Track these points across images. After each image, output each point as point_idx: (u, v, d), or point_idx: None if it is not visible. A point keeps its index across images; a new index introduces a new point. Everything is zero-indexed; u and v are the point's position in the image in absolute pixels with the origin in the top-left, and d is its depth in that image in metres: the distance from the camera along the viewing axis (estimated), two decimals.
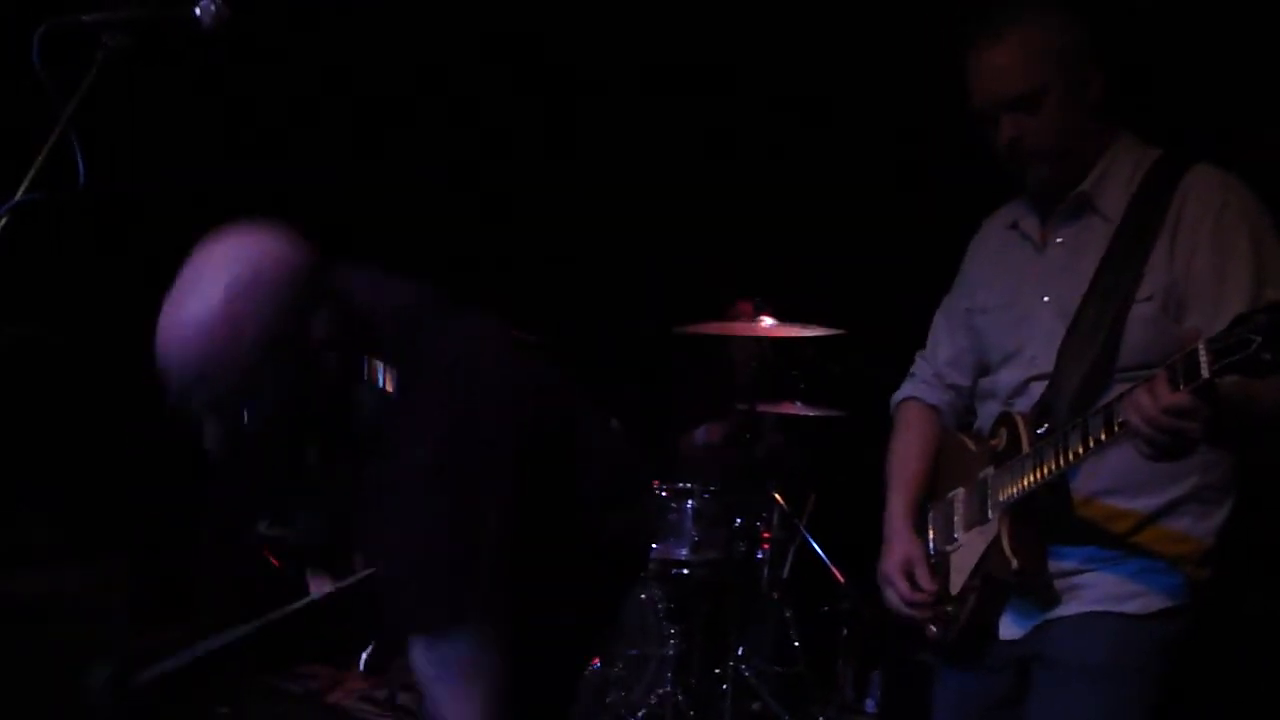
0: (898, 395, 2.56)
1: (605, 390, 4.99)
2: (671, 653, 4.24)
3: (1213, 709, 2.64)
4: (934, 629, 2.29)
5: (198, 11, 1.95)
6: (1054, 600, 2.16)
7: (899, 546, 2.33)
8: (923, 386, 2.50)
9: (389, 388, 2.06)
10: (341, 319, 2.03)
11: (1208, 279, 2.06)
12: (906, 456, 2.44)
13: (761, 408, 4.46)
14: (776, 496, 4.49)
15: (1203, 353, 1.78)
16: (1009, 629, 2.22)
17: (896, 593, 2.31)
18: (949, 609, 2.27)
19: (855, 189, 4.94)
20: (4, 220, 1.79)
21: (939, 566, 2.32)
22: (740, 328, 4.35)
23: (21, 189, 1.82)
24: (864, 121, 4.88)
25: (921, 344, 2.57)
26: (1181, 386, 1.82)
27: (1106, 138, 2.22)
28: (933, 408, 2.47)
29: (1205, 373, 1.77)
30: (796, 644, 4.54)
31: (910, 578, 2.29)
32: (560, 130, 5.32)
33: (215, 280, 1.91)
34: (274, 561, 2.66)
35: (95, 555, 3.60)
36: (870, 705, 4.57)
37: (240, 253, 1.95)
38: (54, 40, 1.88)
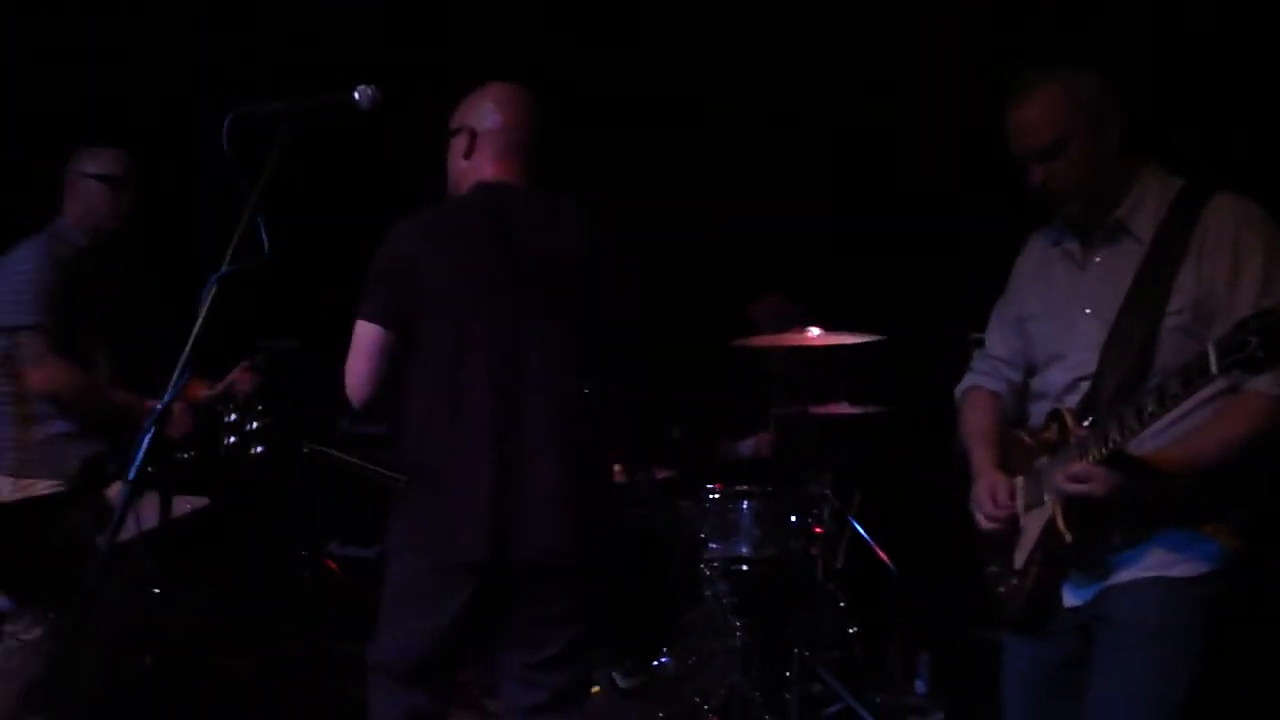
0: (961, 386, 2.89)
1: (658, 403, 5.30)
2: (738, 645, 4.45)
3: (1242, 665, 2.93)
4: (1004, 590, 2.61)
5: (357, 96, 2.26)
6: (1109, 570, 2.48)
7: (985, 478, 2.66)
8: (983, 377, 2.84)
9: None
10: None
11: (1225, 294, 2.39)
12: (980, 421, 2.78)
13: (809, 409, 4.72)
14: (827, 493, 4.74)
15: (1212, 353, 2.10)
16: (1071, 598, 2.54)
17: (982, 511, 2.64)
18: (1014, 582, 2.59)
19: (889, 201, 5.20)
20: (214, 289, 2.07)
21: (1003, 543, 2.63)
22: (783, 338, 4.62)
23: (226, 262, 2.10)
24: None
25: (952, 347, 2.92)
26: (1178, 393, 2.20)
27: (1134, 169, 2.54)
28: (994, 392, 2.81)
29: (1214, 369, 2.10)
30: (852, 630, 4.83)
31: (994, 499, 2.61)
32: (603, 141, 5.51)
33: None
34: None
35: None
36: (920, 686, 4.83)
37: None
38: (239, 128, 2.17)
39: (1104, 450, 2.36)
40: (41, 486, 3.38)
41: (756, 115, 5.45)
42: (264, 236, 2.16)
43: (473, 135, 2.87)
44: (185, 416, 3.35)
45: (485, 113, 2.87)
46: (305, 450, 2.82)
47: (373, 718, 2.83)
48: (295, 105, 2.20)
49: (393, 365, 2.73)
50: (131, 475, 1.88)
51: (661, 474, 4.97)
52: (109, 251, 3.59)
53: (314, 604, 4.94)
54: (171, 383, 1.95)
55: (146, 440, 1.91)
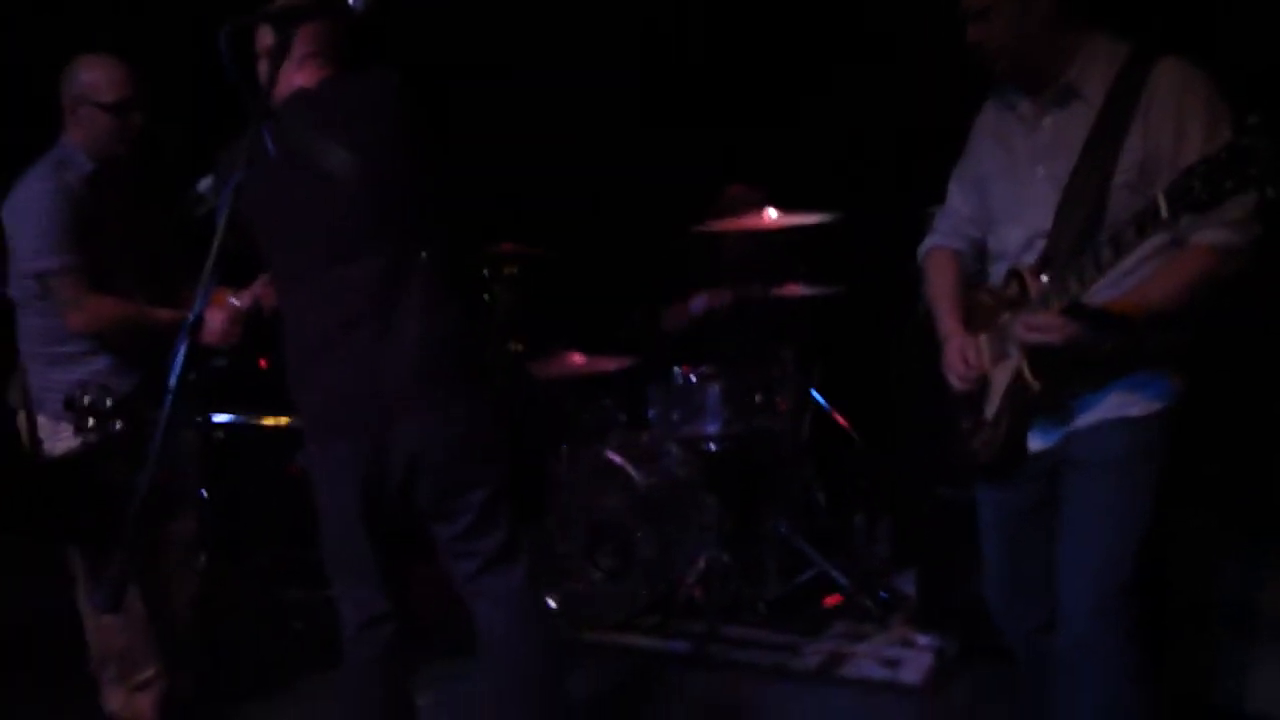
0: (924, 246, 3.04)
1: (622, 290, 5.36)
2: (712, 520, 4.62)
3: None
4: (978, 443, 2.77)
5: (351, 1, 2.27)
6: (1072, 415, 2.68)
7: (954, 340, 2.83)
8: (943, 237, 2.99)
9: None
10: None
11: (1171, 151, 2.52)
12: (945, 282, 2.94)
13: (768, 291, 4.81)
14: (789, 369, 4.85)
15: (1161, 200, 2.27)
16: (1036, 443, 2.72)
17: (955, 373, 2.81)
18: (988, 432, 2.76)
19: (839, 83, 5.24)
20: (232, 195, 2.09)
21: (971, 400, 2.79)
22: (742, 221, 4.68)
23: (236, 172, 2.12)
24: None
25: (908, 227, 3.10)
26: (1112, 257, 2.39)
27: (1080, 36, 2.64)
28: (956, 251, 2.96)
29: (1164, 214, 2.27)
30: (820, 499, 5.03)
31: (965, 360, 2.79)
32: (549, 38, 5.49)
33: None
34: None
35: None
36: (883, 549, 5.04)
37: None
38: (236, 37, 2.18)
39: (1064, 300, 2.51)
40: (74, 441, 3.19)
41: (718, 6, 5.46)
42: (269, 143, 2.18)
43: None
44: (234, 325, 3.30)
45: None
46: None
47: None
48: (289, 9, 2.21)
49: None
50: (173, 383, 1.93)
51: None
52: (120, 172, 3.40)
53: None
54: (200, 292, 1.99)
55: (183, 350, 1.95)
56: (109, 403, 2.86)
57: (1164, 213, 2.27)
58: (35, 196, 3.25)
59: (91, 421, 2.83)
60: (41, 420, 3.30)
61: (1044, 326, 2.54)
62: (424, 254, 2.79)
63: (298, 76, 2.82)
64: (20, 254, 3.28)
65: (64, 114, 3.35)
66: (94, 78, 3.30)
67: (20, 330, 3.39)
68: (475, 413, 2.86)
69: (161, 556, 3.43)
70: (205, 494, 2.91)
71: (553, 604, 4.55)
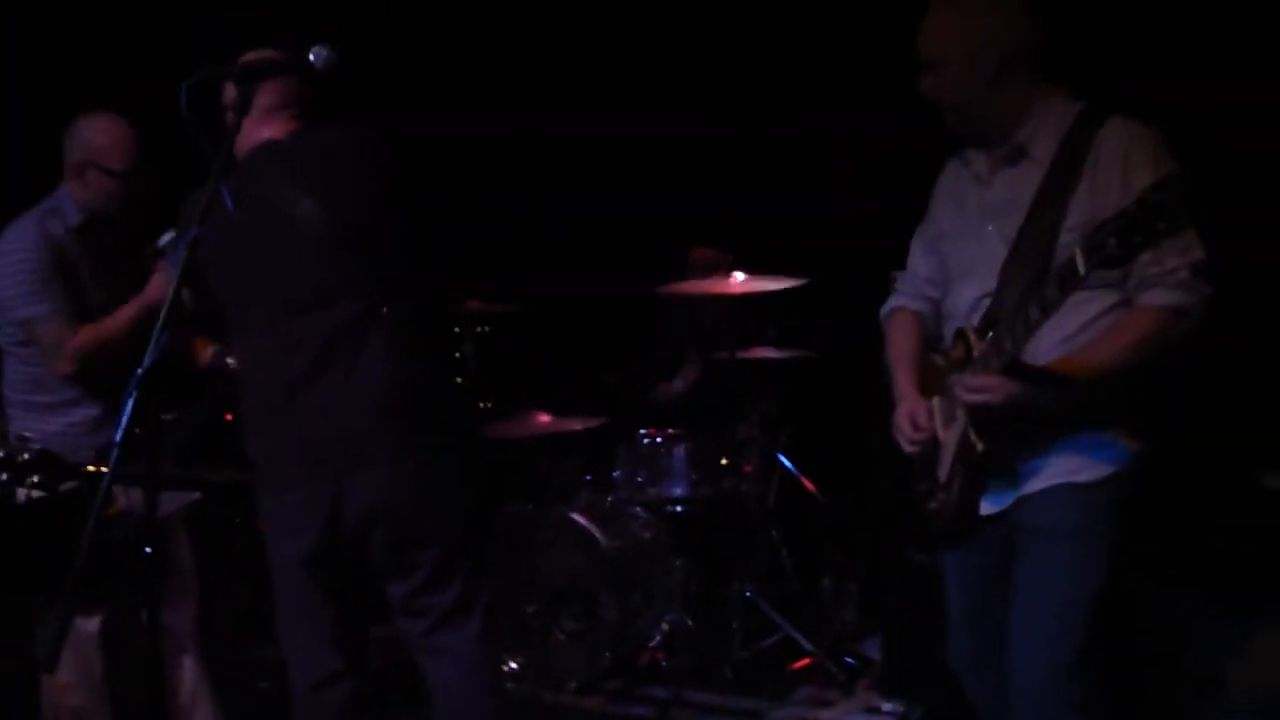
0: (886, 307, 3.05)
1: (590, 350, 5.37)
2: (677, 583, 4.58)
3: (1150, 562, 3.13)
4: (934, 506, 2.75)
5: (312, 58, 2.29)
6: (1021, 479, 2.65)
7: (904, 403, 2.82)
8: (905, 298, 2.99)
9: None
10: None
11: (1114, 208, 2.46)
12: (903, 344, 2.94)
13: (736, 355, 4.83)
14: (756, 433, 4.86)
15: (1078, 256, 2.29)
16: (990, 506, 2.70)
17: (902, 435, 2.81)
18: (941, 495, 2.74)
19: (810, 146, 5.29)
20: (185, 252, 2.09)
21: (929, 463, 2.78)
22: (709, 285, 4.71)
23: (193, 227, 2.12)
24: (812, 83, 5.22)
25: (875, 291, 3.11)
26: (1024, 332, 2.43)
27: (1030, 96, 2.66)
28: (916, 313, 2.96)
29: (1082, 270, 2.28)
30: (785, 562, 5.00)
31: (914, 423, 2.78)
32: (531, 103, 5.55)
33: None
34: None
35: None
36: (849, 614, 5.01)
37: None
38: (197, 91, 2.19)
39: (1002, 360, 2.51)
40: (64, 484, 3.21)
41: (688, 71, 5.52)
42: (227, 198, 2.18)
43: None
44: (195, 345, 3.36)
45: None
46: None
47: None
48: (251, 66, 2.22)
49: None
50: (118, 438, 1.91)
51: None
52: (109, 224, 3.43)
53: None
54: (151, 344, 1.97)
55: (130, 404, 1.93)
56: (25, 456, 2.84)
57: (1081, 269, 2.28)
58: (17, 245, 3.30)
59: (3, 475, 2.79)
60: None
61: (982, 387, 2.54)
62: (385, 308, 2.77)
63: (266, 129, 2.81)
64: (4, 301, 3.31)
65: (67, 169, 3.37)
66: (103, 142, 3.32)
67: (4, 377, 3.43)
68: (436, 467, 2.83)
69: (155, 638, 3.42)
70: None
71: (514, 665, 4.50)
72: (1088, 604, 2.59)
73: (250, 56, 2.24)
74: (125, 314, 3.32)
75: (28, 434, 3.02)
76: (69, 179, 3.38)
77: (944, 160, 2.91)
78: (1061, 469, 2.60)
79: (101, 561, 1.84)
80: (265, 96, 2.73)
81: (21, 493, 2.83)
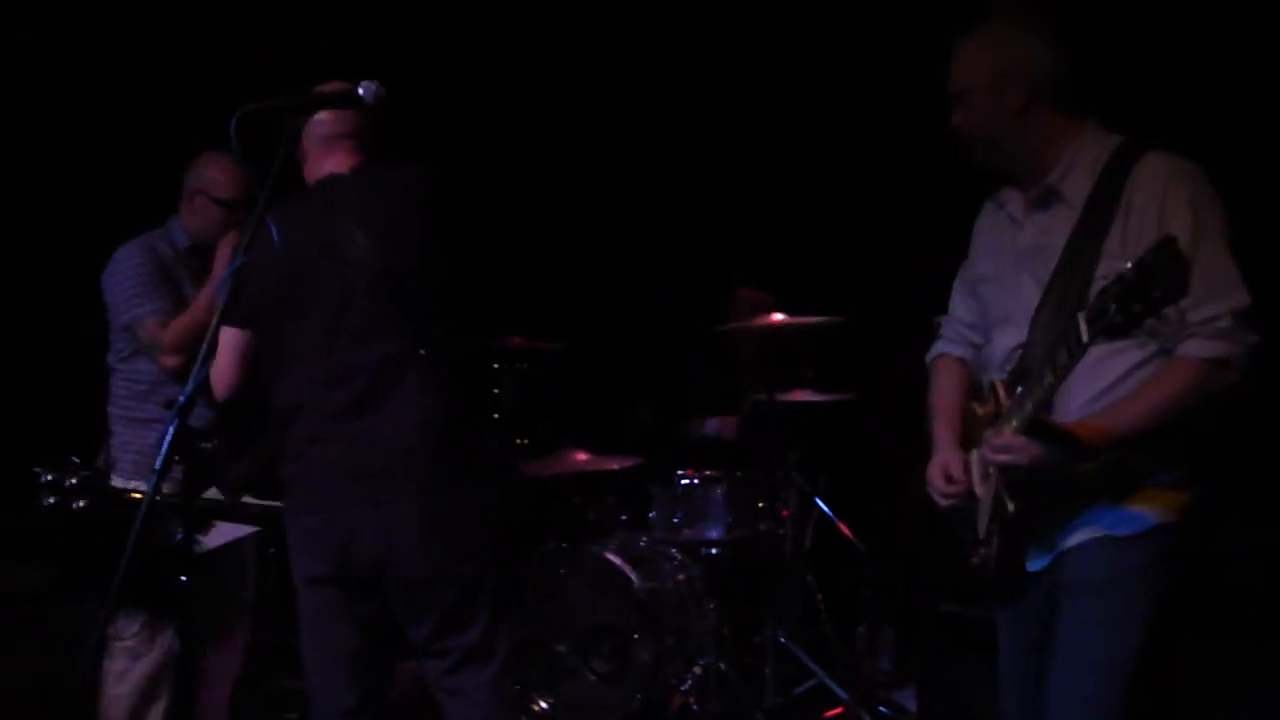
0: (931, 353, 2.95)
1: (629, 390, 5.36)
2: (711, 626, 4.53)
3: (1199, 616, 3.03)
4: (975, 561, 2.65)
5: (361, 91, 2.30)
6: (1061, 535, 2.52)
7: (939, 456, 2.72)
8: (948, 344, 2.90)
9: None
10: None
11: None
12: (944, 393, 2.84)
13: (775, 397, 4.81)
14: (793, 476, 4.83)
15: (1081, 322, 2.17)
16: (1034, 562, 2.58)
17: (935, 489, 2.70)
18: (982, 551, 2.64)
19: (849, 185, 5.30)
20: (230, 282, 2.10)
21: (969, 516, 2.69)
22: (749, 323, 4.70)
23: (239, 257, 2.13)
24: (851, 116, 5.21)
25: (915, 334, 3.03)
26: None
27: (1061, 132, 2.57)
28: (959, 359, 2.87)
29: (1085, 338, 2.15)
30: (821, 608, 4.95)
31: (947, 477, 2.67)
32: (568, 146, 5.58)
33: None
34: None
35: None
36: (885, 662, 4.96)
37: None
38: (246, 124, 2.20)
39: (1024, 419, 2.40)
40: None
41: (721, 110, 5.52)
42: (273, 230, 2.19)
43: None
44: None
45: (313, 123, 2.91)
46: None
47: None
48: (300, 100, 2.24)
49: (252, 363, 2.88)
50: (158, 465, 1.92)
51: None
52: (210, 252, 3.69)
53: None
54: (193, 373, 1.98)
55: (171, 431, 1.94)
56: (72, 481, 2.96)
57: (1084, 337, 2.16)
58: (126, 258, 3.60)
59: (52, 499, 2.84)
60: (115, 480, 3.44)
61: (1008, 448, 2.43)
62: (423, 349, 2.80)
63: (328, 161, 2.90)
64: (114, 309, 3.59)
65: (181, 198, 3.71)
66: (214, 174, 3.67)
67: (112, 395, 3.66)
68: (459, 508, 2.83)
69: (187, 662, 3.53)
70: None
71: (544, 704, 4.47)
72: (1127, 662, 2.46)
73: (300, 91, 2.26)
74: (205, 294, 3.55)
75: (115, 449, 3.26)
76: (182, 208, 3.71)
77: (982, 196, 2.83)
78: (1099, 523, 2.49)
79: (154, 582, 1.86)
80: (324, 128, 2.86)
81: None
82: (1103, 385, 2.44)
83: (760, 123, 5.42)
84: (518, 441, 5.10)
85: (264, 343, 2.88)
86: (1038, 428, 2.39)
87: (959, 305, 2.89)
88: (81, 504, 2.94)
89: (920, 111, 3.13)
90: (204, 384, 1.99)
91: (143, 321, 3.53)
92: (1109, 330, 2.10)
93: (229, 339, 2.83)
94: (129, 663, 3.45)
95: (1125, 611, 2.47)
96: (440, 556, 2.79)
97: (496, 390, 5.13)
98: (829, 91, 5.20)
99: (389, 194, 2.87)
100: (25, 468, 3.08)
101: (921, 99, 3.00)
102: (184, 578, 1.96)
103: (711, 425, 5.26)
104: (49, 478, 3.00)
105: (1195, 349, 2.38)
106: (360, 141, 2.91)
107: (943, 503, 2.70)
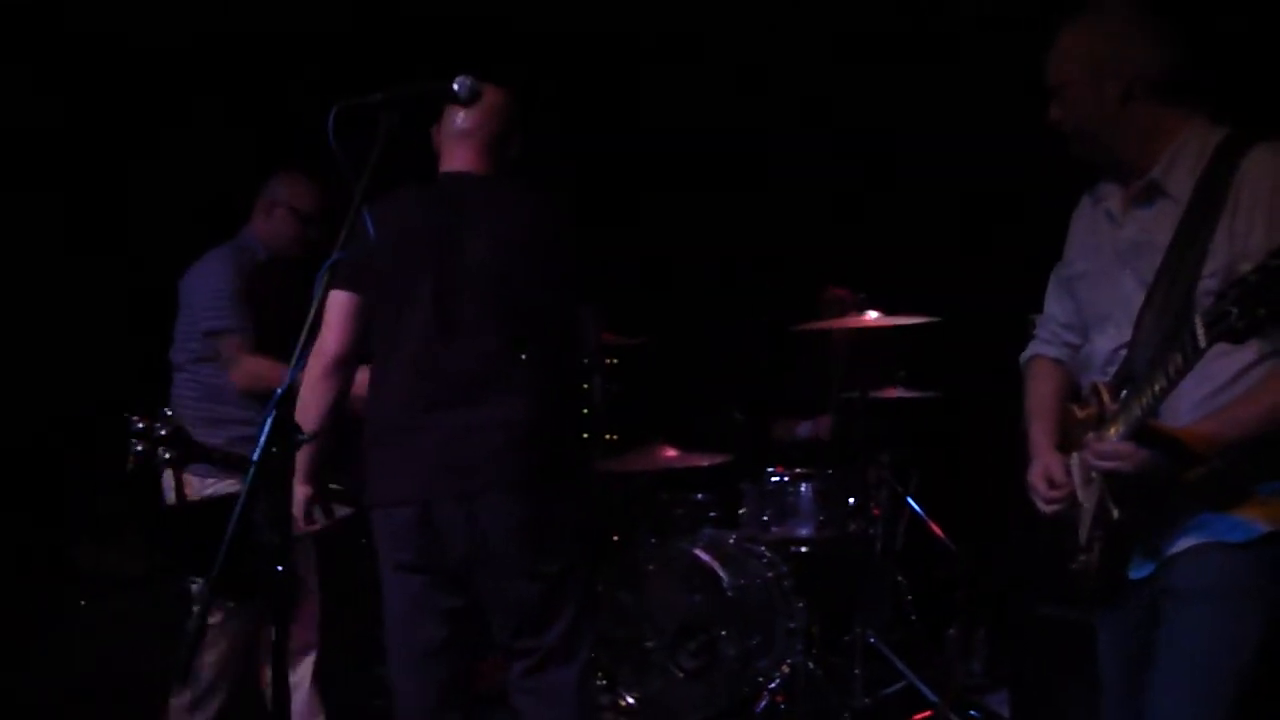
0: (1025, 354, 2.84)
1: (719, 387, 5.35)
2: (799, 625, 4.51)
3: None
4: (1075, 567, 2.56)
5: (456, 87, 2.32)
6: (1168, 541, 2.42)
7: (1039, 460, 2.61)
8: (1044, 345, 2.79)
9: None
10: None
11: (1261, 252, 2.21)
12: (1042, 395, 2.74)
13: (867, 394, 4.76)
14: (885, 475, 4.80)
15: (1199, 326, 2.07)
16: (1137, 570, 2.49)
17: (1038, 495, 2.60)
18: (1083, 557, 2.56)
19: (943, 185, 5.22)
20: (327, 276, 2.13)
21: (1070, 520, 2.60)
22: (841, 321, 4.66)
23: (336, 251, 2.16)
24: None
25: (1009, 331, 2.94)
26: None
27: (1164, 125, 2.46)
28: (1055, 360, 2.76)
29: (1203, 344, 2.06)
30: (911, 609, 4.89)
31: (1049, 482, 2.57)
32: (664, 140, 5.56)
33: None
34: None
35: None
36: (976, 666, 4.89)
37: None
38: (343, 120, 2.23)
39: (1130, 423, 2.33)
40: (226, 486, 3.57)
41: (816, 108, 5.49)
42: (369, 224, 2.22)
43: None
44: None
45: (450, 114, 2.98)
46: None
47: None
48: (397, 96, 2.26)
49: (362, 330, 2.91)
50: (256, 457, 1.95)
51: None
52: (288, 266, 3.78)
53: None
54: (292, 364, 2.01)
55: (270, 421, 1.97)
56: (161, 431, 3.08)
57: (1202, 342, 2.07)
58: (214, 265, 3.69)
59: (140, 447, 3.03)
60: (188, 478, 3.52)
61: (1112, 454, 2.34)
62: (523, 352, 2.85)
63: (456, 157, 2.97)
64: (195, 312, 3.65)
65: (257, 209, 3.79)
66: (295, 188, 3.77)
67: (176, 392, 3.72)
68: (546, 509, 2.85)
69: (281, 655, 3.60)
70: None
71: (631, 700, 4.48)
72: (1233, 674, 2.36)
73: (396, 86, 2.28)
74: (278, 368, 3.53)
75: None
76: (256, 216, 3.78)
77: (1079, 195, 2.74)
78: (1207, 530, 2.39)
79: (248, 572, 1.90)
80: (455, 124, 2.94)
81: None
82: (1214, 387, 2.35)
83: (853, 121, 5.39)
84: (607, 437, 5.12)
85: (371, 311, 2.91)
86: (1145, 433, 2.31)
87: (1054, 305, 2.79)
88: (168, 455, 3.04)
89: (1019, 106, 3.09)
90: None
91: (225, 336, 3.60)
92: (1229, 335, 2.01)
93: (338, 301, 2.86)
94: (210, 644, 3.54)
95: (1234, 620, 2.38)
96: (525, 555, 2.81)
97: (586, 385, 5.14)
98: (929, 90, 5.13)
99: (518, 205, 2.94)
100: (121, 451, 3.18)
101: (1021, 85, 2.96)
102: (280, 567, 1.98)
103: (804, 428, 5.23)
104: (140, 425, 3.10)
105: None
106: (486, 143, 2.96)
107: (1046, 509, 2.60)
